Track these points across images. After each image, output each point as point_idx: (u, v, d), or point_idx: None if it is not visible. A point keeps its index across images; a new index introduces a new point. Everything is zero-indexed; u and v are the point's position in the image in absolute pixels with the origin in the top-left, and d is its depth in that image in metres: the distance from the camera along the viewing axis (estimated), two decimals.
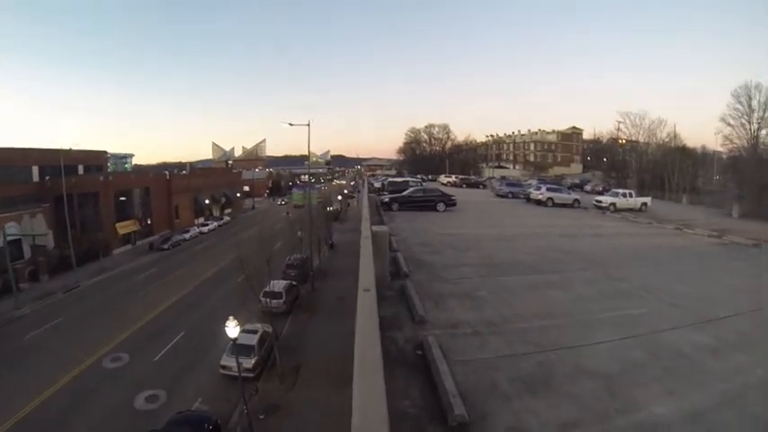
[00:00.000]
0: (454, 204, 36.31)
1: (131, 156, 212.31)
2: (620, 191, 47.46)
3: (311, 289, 41.62)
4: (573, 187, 68.99)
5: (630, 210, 43.55)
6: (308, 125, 38.67)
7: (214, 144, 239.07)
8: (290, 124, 39.02)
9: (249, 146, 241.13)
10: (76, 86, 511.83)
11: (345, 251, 52.99)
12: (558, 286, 14.10)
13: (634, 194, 46.80)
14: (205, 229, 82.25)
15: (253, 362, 26.65)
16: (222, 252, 60.47)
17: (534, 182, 66.76)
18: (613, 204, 43.55)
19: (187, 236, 74.66)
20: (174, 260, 59.56)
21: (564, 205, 44.10)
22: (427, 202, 35.38)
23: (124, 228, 66.80)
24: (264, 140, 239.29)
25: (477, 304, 11.61)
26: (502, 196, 55.71)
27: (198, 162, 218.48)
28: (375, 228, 12.62)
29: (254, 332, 28.37)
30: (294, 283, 38.97)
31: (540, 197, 44.72)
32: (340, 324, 29.71)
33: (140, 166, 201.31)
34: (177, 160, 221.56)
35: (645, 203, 46.08)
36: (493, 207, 42.86)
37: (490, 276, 14.71)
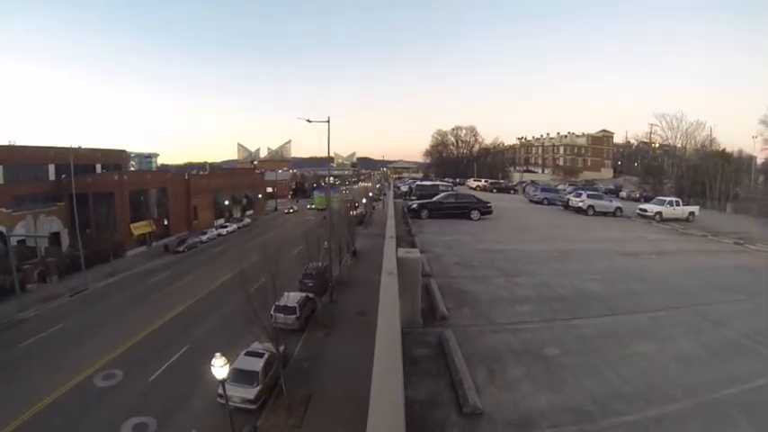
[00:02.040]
0: (490, 212, 32.70)
1: (156, 155, 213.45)
2: (666, 199, 43.52)
3: (330, 301, 38.20)
4: (608, 193, 64.84)
5: (677, 219, 39.93)
6: (328, 121, 35.63)
7: (239, 145, 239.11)
8: (309, 120, 36.19)
9: (275, 147, 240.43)
10: (105, 85, 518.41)
11: (369, 259, 49.49)
12: (649, 335, 10.48)
13: (681, 203, 42.85)
14: (224, 231, 79.59)
15: (255, 391, 23.07)
16: (239, 256, 57.85)
17: (569, 187, 63.32)
18: (659, 213, 39.81)
19: (204, 238, 72.19)
20: (187, 264, 56.87)
21: (605, 213, 40.50)
22: (460, 210, 31.84)
23: (139, 228, 64.80)
24: (290, 142, 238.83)
25: (552, 374, 8.01)
26: (536, 202, 52.45)
27: (223, 162, 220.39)
28: (404, 253, 9.10)
29: (260, 356, 24.75)
30: (311, 295, 35.50)
31: (580, 204, 41.08)
32: (359, 344, 26.59)
33: (166, 165, 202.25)
34: (203, 160, 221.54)
35: (692, 213, 42.18)
36: (531, 215, 39.20)
37: (557, 318, 11.13)
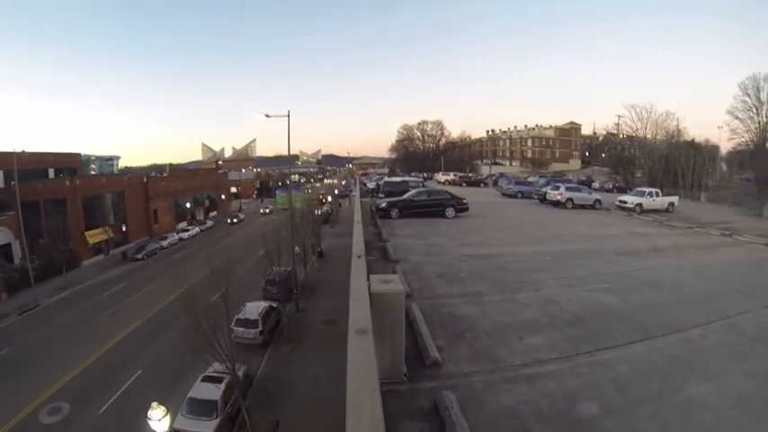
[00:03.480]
0: (466, 209, 30.37)
1: (117, 158, 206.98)
2: (646, 190, 42.07)
3: (296, 309, 35.36)
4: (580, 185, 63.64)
5: (656, 210, 38.90)
6: (288, 115, 32.80)
7: (203, 145, 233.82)
8: (267, 116, 33.30)
9: (239, 146, 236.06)
10: (63, 88, 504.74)
11: (336, 259, 46.72)
12: (695, 369, 8.26)
13: (660, 194, 41.42)
14: (185, 235, 75.78)
15: (214, 425, 20.02)
16: (201, 262, 54.80)
17: (541, 180, 61.70)
18: (639, 205, 38.67)
19: (165, 243, 68.28)
20: (145, 273, 53.16)
21: (583, 206, 39.09)
22: (434, 208, 29.46)
23: (94, 236, 60.74)
24: (255, 140, 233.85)
25: None
26: (510, 196, 50.98)
27: (189, 163, 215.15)
28: (379, 285, 6.49)
29: (219, 381, 21.63)
30: (274, 305, 32.51)
31: (558, 198, 39.45)
32: (329, 359, 24.10)
33: (129, 168, 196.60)
34: (167, 162, 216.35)
35: (672, 203, 41.18)
36: (509, 210, 37.02)
37: (579, 352, 8.73)
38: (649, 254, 19.78)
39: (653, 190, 41.83)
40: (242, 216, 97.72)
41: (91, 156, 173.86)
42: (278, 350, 29.19)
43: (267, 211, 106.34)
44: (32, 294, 43.99)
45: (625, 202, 39.49)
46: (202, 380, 22.13)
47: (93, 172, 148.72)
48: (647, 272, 16.01)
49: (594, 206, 39.67)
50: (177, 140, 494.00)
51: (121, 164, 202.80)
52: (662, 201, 40.56)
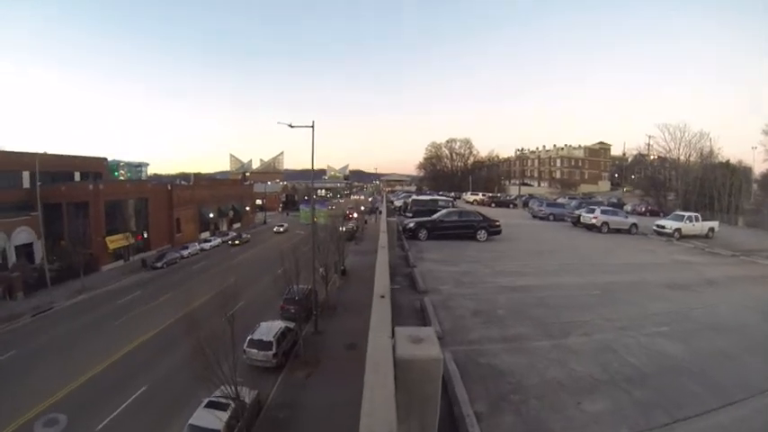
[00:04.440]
0: (499, 232, 28.56)
1: (146, 164, 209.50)
2: (685, 214, 39.56)
3: (314, 331, 33.77)
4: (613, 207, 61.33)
5: (696, 236, 36.53)
6: (312, 126, 31.46)
7: (232, 156, 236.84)
8: (291, 125, 32.01)
9: (267, 159, 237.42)
10: (99, 92, 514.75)
11: (360, 278, 45.12)
12: None
13: (700, 218, 39.09)
14: (207, 245, 74.99)
15: None
16: (220, 275, 53.65)
17: (572, 202, 59.57)
18: (678, 230, 36.25)
19: (185, 253, 67.54)
20: (162, 282, 52.18)
21: (618, 230, 37.00)
22: (465, 229, 27.69)
23: (115, 242, 60.28)
24: (282, 153, 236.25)
25: None
26: (542, 218, 48.77)
27: (216, 173, 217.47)
28: (409, 347, 4.77)
29: (224, 407, 20.16)
30: (291, 325, 31.01)
31: (593, 221, 37.31)
32: (347, 387, 22.36)
33: (158, 175, 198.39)
34: (195, 171, 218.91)
35: (712, 229, 38.75)
36: (542, 234, 34.99)
37: (656, 427, 6.96)
38: (701, 287, 17.73)
39: (692, 214, 39.46)
40: (247, 236, 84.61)
41: (120, 161, 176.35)
42: (292, 374, 27.60)
43: (281, 229, 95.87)
44: (49, 296, 43.70)
45: (663, 227, 37.20)
46: (206, 405, 20.52)
47: (121, 177, 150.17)
48: (705, 311, 14.06)
49: (630, 231, 37.45)
50: (206, 150, 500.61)
51: (151, 171, 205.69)
52: (701, 226, 38.14)
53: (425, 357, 4.64)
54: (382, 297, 6.70)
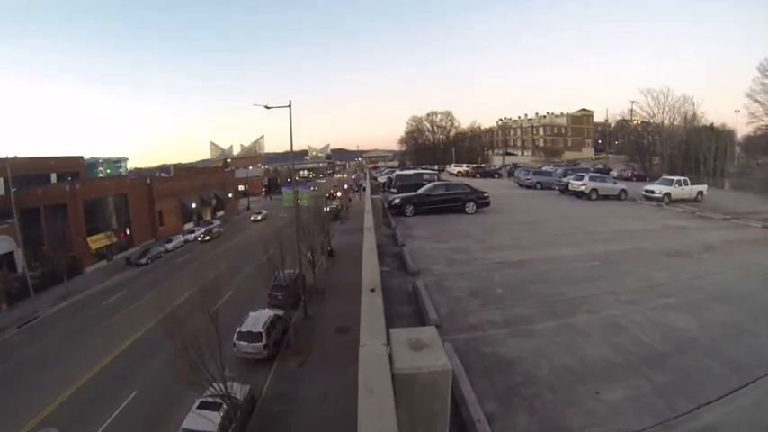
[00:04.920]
0: (488, 203, 27.86)
1: (126, 159, 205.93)
2: (674, 178, 39.13)
3: (304, 317, 32.97)
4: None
5: (684, 200, 36.26)
6: (289, 106, 30.34)
7: (212, 143, 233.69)
8: (267, 107, 30.93)
9: (248, 144, 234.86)
10: (71, 90, 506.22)
11: (347, 258, 44.33)
12: None
13: (689, 182, 38.67)
14: (191, 236, 73.57)
15: None
16: (205, 265, 52.58)
17: (558, 170, 59.09)
18: (668, 195, 36.03)
19: (169, 246, 66.30)
20: (147, 279, 50.87)
21: (607, 197, 36.67)
22: (453, 203, 26.87)
23: (97, 241, 58.77)
24: (263, 137, 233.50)
25: None
26: (528, 187, 48.49)
27: (198, 162, 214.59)
28: (405, 358, 3.94)
29: (216, 407, 19.30)
30: (280, 313, 30.09)
31: (582, 188, 36.93)
32: (340, 373, 21.68)
33: (138, 169, 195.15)
34: (176, 162, 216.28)
35: (700, 192, 38.41)
36: (531, 204, 34.49)
37: (678, 412, 6.34)
38: (699, 253, 17.16)
39: (681, 178, 39.06)
40: (218, 230, 77.90)
41: (98, 158, 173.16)
42: (284, 364, 26.83)
43: (259, 217, 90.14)
44: (32, 305, 42.41)
45: (652, 192, 36.87)
46: (199, 406, 19.69)
47: (101, 174, 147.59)
48: (709, 279, 13.44)
49: (620, 197, 37.23)
50: (186, 140, 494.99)
51: (130, 165, 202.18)
52: (690, 190, 37.88)
53: (430, 369, 3.86)
54: (372, 290, 5.89)
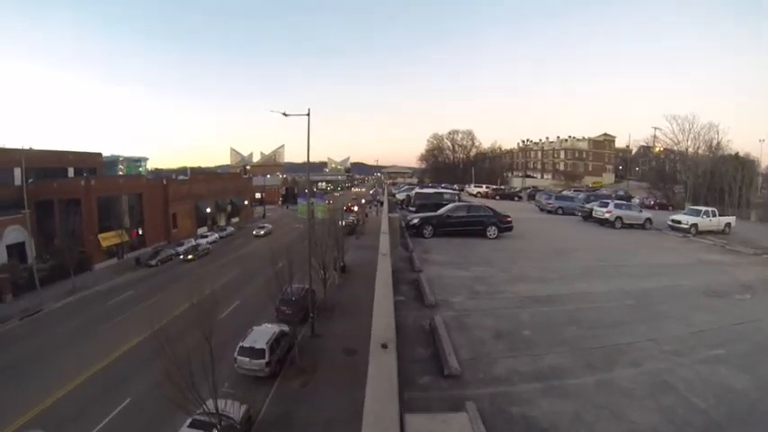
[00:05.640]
0: (510, 228, 26.50)
1: (146, 159, 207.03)
2: (702, 209, 37.65)
3: (311, 334, 31.77)
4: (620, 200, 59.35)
5: (712, 232, 34.75)
6: (308, 114, 29.40)
7: (232, 149, 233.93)
8: (285, 114, 30.09)
9: (268, 152, 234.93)
10: (98, 87, 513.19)
11: (360, 275, 43.30)
12: None
13: (717, 213, 37.18)
14: (203, 241, 72.44)
15: None
16: (216, 271, 51.66)
17: (580, 195, 57.58)
18: (695, 226, 34.45)
19: (181, 249, 65.33)
20: (156, 281, 50.36)
21: (631, 225, 35.07)
22: (474, 226, 25.53)
23: (108, 239, 58.33)
24: (283, 146, 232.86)
25: None
26: (550, 212, 46.82)
27: (217, 167, 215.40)
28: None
29: (208, 428, 18.07)
30: (286, 329, 28.83)
31: (606, 216, 35.39)
32: (346, 397, 20.44)
33: (159, 170, 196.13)
34: (197, 165, 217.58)
35: (728, 224, 36.98)
36: (554, 230, 33.26)
37: None
38: (739, 293, 15.70)
39: (709, 209, 37.57)
40: (206, 246, 68.95)
41: (119, 156, 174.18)
42: (287, 383, 25.57)
43: (262, 232, 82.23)
44: (38, 298, 41.99)
45: (679, 222, 35.38)
46: (190, 424, 18.55)
47: (120, 172, 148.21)
48: (755, 326, 12.10)
49: (644, 226, 35.66)
50: (207, 145, 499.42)
51: (151, 165, 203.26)
52: (718, 221, 36.50)
53: None
54: (384, 347, 4.59)
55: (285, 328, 28.77)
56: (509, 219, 26.66)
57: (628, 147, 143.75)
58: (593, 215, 37.10)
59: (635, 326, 11.33)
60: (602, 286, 15.50)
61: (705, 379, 8.46)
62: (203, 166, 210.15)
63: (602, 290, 14.94)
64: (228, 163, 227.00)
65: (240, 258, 61.83)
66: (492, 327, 10.70)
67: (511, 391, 7.45)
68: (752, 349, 10.28)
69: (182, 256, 62.89)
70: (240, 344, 25.83)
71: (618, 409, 7.09)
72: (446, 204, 30.10)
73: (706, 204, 49.14)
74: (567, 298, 13.65)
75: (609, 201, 39.61)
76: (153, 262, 58.14)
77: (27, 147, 57.07)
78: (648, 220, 36.24)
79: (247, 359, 25.36)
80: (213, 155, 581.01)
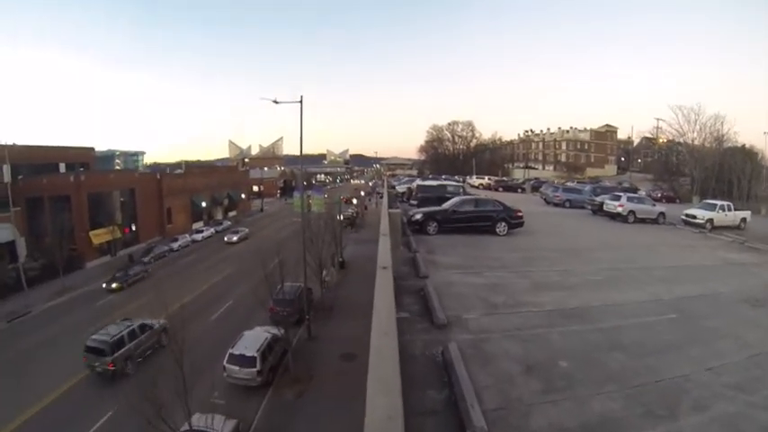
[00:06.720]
0: (522, 224, 24.80)
1: (142, 153, 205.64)
2: (717, 203, 35.98)
3: (307, 337, 29.94)
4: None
5: (728, 227, 33.37)
6: (300, 101, 27.64)
7: (231, 142, 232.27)
8: (275, 101, 28.34)
9: (267, 145, 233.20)
10: (88, 80, 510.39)
11: (360, 271, 41.55)
12: None
13: (732, 207, 35.55)
14: (199, 236, 70.82)
15: None
16: (210, 269, 50.04)
17: (586, 187, 55.90)
18: (710, 221, 32.99)
19: (175, 245, 63.65)
20: (149, 279, 48.32)
21: (643, 220, 33.67)
22: (482, 222, 23.73)
23: (99, 236, 56.54)
24: (281, 138, 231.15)
25: None
26: (557, 205, 45.24)
27: (215, 161, 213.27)
28: None
29: None
30: (280, 333, 26.25)
31: (618, 210, 33.83)
32: (344, 409, 18.63)
33: (157, 164, 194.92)
34: (196, 159, 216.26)
35: (744, 219, 35.69)
36: (565, 225, 31.56)
37: None
38: None
39: (724, 203, 35.95)
40: (144, 270, 50.81)
41: (116, 151, 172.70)
42: (280, 393, 23.65)
43: (235, 238, 69.70)
44: (30, 298, 41.22)
45: (694, 217, 33.92)
46: None
47: (117, 167, 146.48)
48: None
49: (658, 220, 34.24)
50: (205, 138, 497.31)
51: (148, 160, 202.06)
52: (734, 216, 35.17)
53: None
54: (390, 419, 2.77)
55: (278, 331, 26.59)
56: (519, 213, 24.95)
57: (629, 138, 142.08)
58: (604, 209, 35.47)
59: (686, 349, 9.49)
60: (636, 295, 13.64)
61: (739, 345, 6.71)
62: (202, 159, 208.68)
63: (637, 299, 13.11)
64: (227, 156, 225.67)
65: (236, 255, 60.01)
66: (519, 356, 8.67)
67: None
68: None
69: (104, 285, 45.65)
70: (229, 351, 23.90)
71: None
72: (450, 198, 28.30)
73: (714, 198, 47.55)
74: (599, 311, 11.76)
75: (621, 194, 37.85)
76: (146, 259, 56.06)
77: (11, 143, 55.41)
78: (662, 214, 34.87)
79: (237, 368, 23.37)
80: (212, 148, 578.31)
